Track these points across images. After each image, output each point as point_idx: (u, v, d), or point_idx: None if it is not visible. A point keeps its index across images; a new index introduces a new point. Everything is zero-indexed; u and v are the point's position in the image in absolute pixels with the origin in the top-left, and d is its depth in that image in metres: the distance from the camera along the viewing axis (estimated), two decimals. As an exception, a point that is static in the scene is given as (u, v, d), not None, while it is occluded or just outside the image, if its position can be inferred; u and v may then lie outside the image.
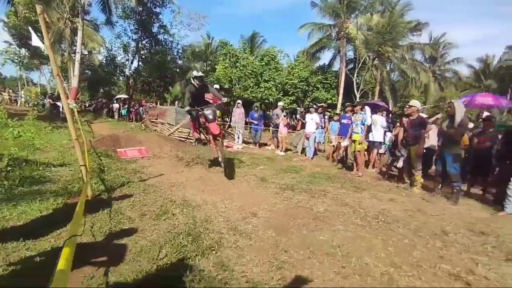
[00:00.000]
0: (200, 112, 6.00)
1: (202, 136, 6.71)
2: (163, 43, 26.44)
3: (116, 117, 22.99)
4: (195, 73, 6.13)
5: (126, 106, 22.90)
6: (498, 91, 29.90)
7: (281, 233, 3.34)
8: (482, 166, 6.07)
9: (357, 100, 22.75)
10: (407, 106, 6.44)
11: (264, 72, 25.33)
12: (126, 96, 25.59)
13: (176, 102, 21.26)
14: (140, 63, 27.20)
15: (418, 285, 2.43)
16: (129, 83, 27.76)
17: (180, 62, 29.26)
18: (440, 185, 5.84)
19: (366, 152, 8.07)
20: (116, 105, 24.13)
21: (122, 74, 28.96)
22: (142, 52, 26.56)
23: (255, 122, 11.43)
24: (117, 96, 26.67)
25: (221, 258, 2.73)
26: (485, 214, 4.81)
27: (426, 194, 5.69)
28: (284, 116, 10.31)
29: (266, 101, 25.49)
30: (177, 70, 28.78)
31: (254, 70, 25.36)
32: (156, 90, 28.49)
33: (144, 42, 26.22)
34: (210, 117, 5.83)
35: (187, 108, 5.96)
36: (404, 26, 23.49)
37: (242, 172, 6.65)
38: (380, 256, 2.90)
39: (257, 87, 25.45)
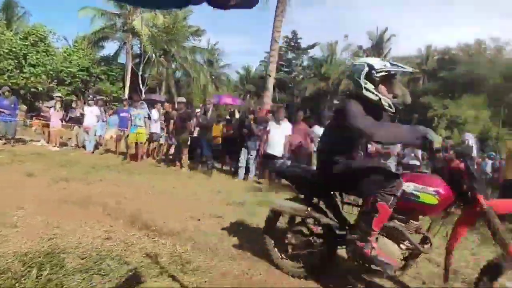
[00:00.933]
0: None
1: None
2: None
3: None
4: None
5: None
6: (255, 94, 39.08)
7: (52, 216, 3.57)
8: (231, 147, 8.28)
9: (143, 94, 23.33)
10: (178, 102, 7.79)
11: (30, 55, 20.98)
12: None
13: None
14: None
15: (166, 225, 3.51)
16: None
17: None
18: (200, 164, 7.58)
19: (147, 143, 8.92)
20: None
21: None
22: None
23: (6, 111, 9.14)
24: None
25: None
26: (227, 181, 6.83)
27: (191, 173, 7.25)
28: (60, 107, 9.45)
29: (34, 89, 21.30)
30: None
31: (14, 50, 20.50)
32: None
33: None
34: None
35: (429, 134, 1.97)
36: (186, 30, 26.16)
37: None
38: (142, 216, 3.79)
39: (19, 71, 20.74)
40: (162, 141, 9.78)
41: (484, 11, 62.46)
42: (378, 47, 30.06)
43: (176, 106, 7.59)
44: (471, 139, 5.41)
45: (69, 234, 3.08)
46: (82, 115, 9.66)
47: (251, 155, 6.81)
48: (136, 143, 8.21)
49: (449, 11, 66.76)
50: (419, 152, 6.55)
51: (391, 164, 6.28)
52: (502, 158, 9.09)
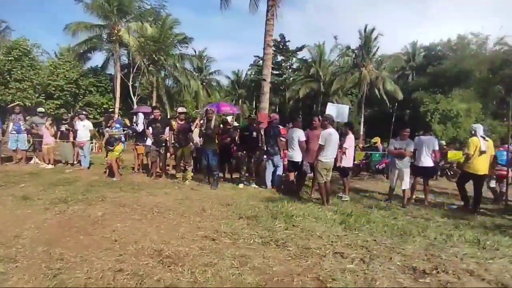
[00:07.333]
0: None
1: None
2: None
3: None
4: None
5: None
6: (248, 98, 38.89)
7: (54, 245, 3.27)
8: (226, 155, 7.95)
9: (135, 105, 22.87)
10: (179, 112, 7.44)
11: (14, 70, 20.37)
12: None
13: None
14: None
15: (181, 249, 3.23)
16: None
17: None
18: (208, 176, 7.27)
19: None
20: None
21: None
22: None
23: None
24: None
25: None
26: (233, 191, 6.56)
27: (195, 185, 6.97)
28: (49, 124, 9.03)
29: (22, 104, 20.67)
30: None
31: (-2, 66, 19.92)
32: None
33: None
34: None
35: None
36: (174, 38, 25.84)
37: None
38: (153, 239, 3.52)
39: (4, 87, 20.14)
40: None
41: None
42: (366, 47, 30.21)
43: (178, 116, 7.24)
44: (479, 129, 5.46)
45: (75, 267, 2.79)
46: (68, 130, 9.24)
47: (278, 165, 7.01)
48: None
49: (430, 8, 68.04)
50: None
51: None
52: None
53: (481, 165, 5.82)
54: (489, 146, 5.92)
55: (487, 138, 5.95)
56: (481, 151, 5.75)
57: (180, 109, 7.39)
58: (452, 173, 10.72)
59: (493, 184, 6.94)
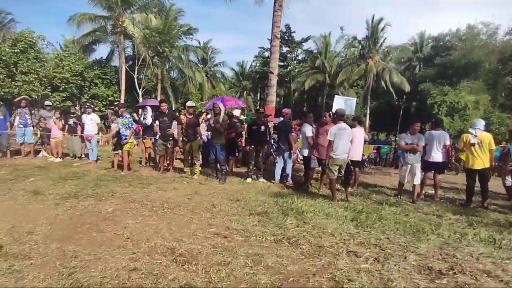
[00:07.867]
0: None
1: None
2: None
3: None
4: None
5: None
6: (252, 89, 38.69)
7: (67, 242, 3.28)
8: (232, 150, 7.89)
9: (140, 97, 22.87)
10: (188, 106, 7.34)
11: (20, 62, 20.35)
12: None
13: None
14: None
15: (193, 247, 3.23)
16: None
17: None
18: (216, 171, 7.26)
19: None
20: None
21: None
22: None
23: None
24: None
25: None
26: (241, 186, 6.54)
27: (203, 179, 6.96)
28: (57, 118, 9.02)
29: (28, 98, 20.70)
30: None
31: (4, 58, 19.90)
32: None
33: None
34: None
35: None
36: (178, 29, 25.65)
37: (3, 188, 5.48)
38: (165, 236, 3.52)
39: (10, 80, 20.17)
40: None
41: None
42: (373, 37, 29.72)
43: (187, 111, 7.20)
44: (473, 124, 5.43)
45: (90, 266, 2.79)
46: (76, 123, 9.21)
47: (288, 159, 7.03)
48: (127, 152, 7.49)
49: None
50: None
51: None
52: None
53: (475, 160, 5.77)
54: (483, 139, 5.76)
55: (477, 132, 5.80)
56: (471, 144, 5.73)
57: (189, 103, 7.32)
58: (450, 166, 10.65)
59: (509, 182, 6.83)
